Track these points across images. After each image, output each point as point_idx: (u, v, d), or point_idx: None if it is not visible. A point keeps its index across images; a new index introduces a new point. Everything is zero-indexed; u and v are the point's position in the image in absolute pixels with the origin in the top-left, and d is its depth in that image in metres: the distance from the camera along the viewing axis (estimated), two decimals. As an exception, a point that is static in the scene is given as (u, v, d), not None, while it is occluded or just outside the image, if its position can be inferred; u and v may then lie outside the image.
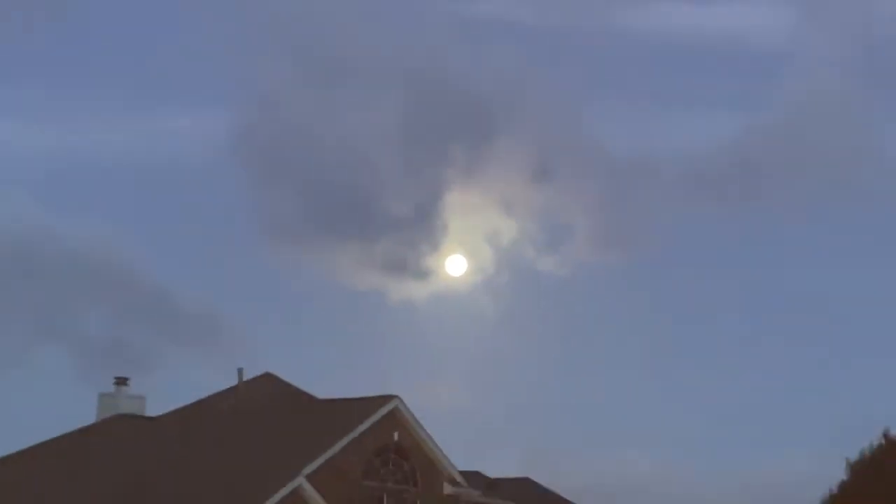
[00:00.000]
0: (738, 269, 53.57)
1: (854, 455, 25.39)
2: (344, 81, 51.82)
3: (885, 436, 24.97)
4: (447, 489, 26.14)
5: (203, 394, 29.33)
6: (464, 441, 31.23)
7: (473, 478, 27.99)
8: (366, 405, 25.48)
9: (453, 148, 49.14)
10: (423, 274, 45.10)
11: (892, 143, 54.20)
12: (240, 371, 29.24)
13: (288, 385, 29.48)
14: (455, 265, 45.82)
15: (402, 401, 25.35)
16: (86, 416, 28.39)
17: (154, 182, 54.29)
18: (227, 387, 29.03)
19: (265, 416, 27.10)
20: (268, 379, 29.67)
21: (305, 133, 49.28)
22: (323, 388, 28.24)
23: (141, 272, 46.45)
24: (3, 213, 45.80)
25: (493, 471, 30.74)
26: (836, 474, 25.44)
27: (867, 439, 25.65)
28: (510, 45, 55.47)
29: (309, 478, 22.15)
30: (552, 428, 46.65)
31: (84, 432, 27.74)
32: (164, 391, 29.99)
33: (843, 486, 24.66)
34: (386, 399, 25.33)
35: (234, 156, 52.25)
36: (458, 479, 26.42)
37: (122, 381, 28.96)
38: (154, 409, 28.66)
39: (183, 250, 52.63)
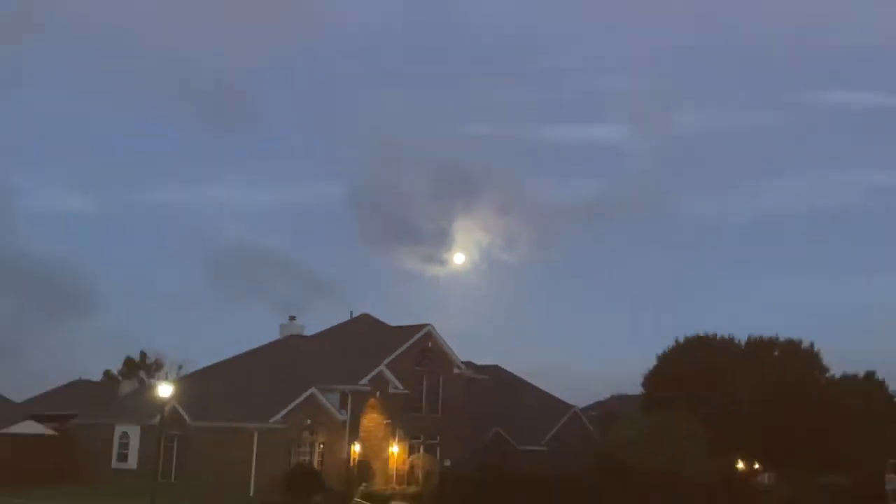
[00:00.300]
0: (603, 257, 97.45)
1: (661, 351, 42.15)
2: (401, 163, 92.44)
3: (676, 340, 41.67)
4: (455, 371, 42.33)
5: (332, 324, 45.97)
6: (463, 345, 48.12)
7: (468, 364, 43.88)
8: (414, 329, 41.91)
9: (457, 198, 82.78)
10: (442, 262, 77.20)
11: (683, 198, 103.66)
12: (351, 312, 46.04)
13: (375, 319, 44.99)
14: (458, 258, 75.64)
15: (433, 326, 42.02)
16: (273, 336, 45.13)
17: (303, 216, 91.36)
18: (344, 321, 45.52)
19: (363, 336, 42.98)
20: (365, 317, 45.38)
21: (382, 190, 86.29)
22: (393, 319, 44.91)
23: (302, 263, 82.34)
24: (235, 236, 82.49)
25: (479, 360, 47.26)
26: (652, 363, 42.27)
27: (669, 342, 42.52)
28: (486, 147, 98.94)
29: (387, 366, 38.30)
30: (509, 338, 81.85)
31: (272, 344, 44.02)
32: (314, 323, 47.09)
33: (655, 369, 41.47)
34: (424, 325, 41.87)
35: (347, 202, 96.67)
36: (461, 365, 42.72)
37: (292, 318, 45.22)
38: (309, 331, 45.39)
39: (322, 250, 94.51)
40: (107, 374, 53.99)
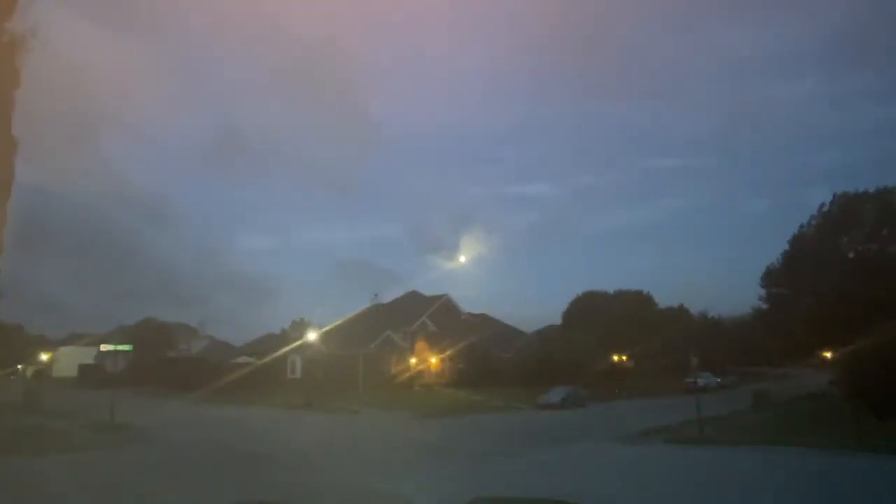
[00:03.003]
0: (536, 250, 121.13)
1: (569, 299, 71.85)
2: (433, 211, 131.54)
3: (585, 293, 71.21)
4: (462, 317, 72.49)
5: (395, 297, 77.98)
6: (466, 300, 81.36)
7: (468, 313, 73.45)
8: (439, 297, 71.75)
9: (461, 228, 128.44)
10: (454, 260, 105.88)
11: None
12: (375, 295, 76.44)
13: (419, 292, 75.18)
14: (462, 258, 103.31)
15: (449, 295, 72.32)
16: (366, 305, 76.92)
17: (382, 243, 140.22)
18: (402, 294, 76.95)
19: (413, 302, 72.81)
20: (412, 292, 75.80)
21: (422, 226, 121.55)
22: (429, 291, 75.56)
23: (380, 266, 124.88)
24: (346, 255, 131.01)
25: (473, 310, 77.49)
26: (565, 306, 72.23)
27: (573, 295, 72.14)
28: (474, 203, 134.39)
29: (427, 317, 68.34)
30: (491, 297, 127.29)
31: (366, 309, 73.60)
32: (386, 297, 78.59)
33: (567, 310, 71.43)
34: (444, 294, 72.16)
35: (405, 233, 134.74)
36: (465, 314, 72.79)
37: (376, 295, 75.81)
38: (385, 300, 76.81)
39: (393, 259, 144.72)
40: (282, 330, 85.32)
